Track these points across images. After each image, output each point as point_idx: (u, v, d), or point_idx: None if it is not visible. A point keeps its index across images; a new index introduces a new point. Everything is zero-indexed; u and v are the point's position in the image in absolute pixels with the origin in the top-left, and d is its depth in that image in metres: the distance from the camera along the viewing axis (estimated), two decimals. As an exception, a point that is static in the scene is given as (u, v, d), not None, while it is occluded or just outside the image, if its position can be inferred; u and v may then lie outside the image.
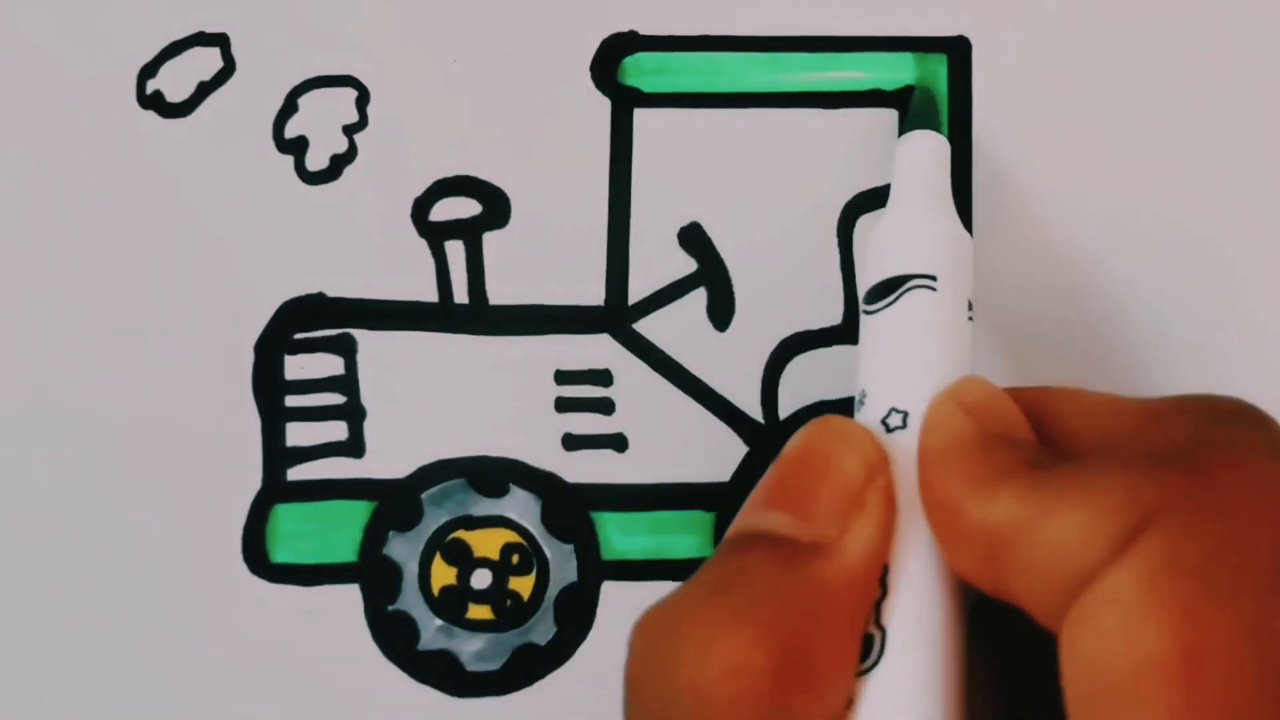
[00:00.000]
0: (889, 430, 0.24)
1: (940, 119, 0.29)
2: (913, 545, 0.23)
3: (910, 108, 0.30)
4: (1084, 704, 0.20)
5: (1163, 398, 0.24)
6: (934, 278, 0.26)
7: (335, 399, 0.30)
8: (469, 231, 0.30)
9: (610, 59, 0.31)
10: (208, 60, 0.31)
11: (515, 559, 0.30)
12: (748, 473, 0.30)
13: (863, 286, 0.26)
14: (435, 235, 0.30)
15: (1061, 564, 0.20)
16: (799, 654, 0.22)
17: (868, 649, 0.23)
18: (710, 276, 0.30)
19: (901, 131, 0.29)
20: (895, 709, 0.22)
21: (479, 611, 0.30)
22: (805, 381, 0.30)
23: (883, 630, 0.23)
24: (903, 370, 0.25)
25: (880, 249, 0.27)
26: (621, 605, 0.29)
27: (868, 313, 0.26)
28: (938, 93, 0.30)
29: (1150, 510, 0.20)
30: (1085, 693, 0.20)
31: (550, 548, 0.30)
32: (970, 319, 0.26)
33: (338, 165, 0.31)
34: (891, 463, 0.24)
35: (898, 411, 0.24)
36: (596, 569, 0.29)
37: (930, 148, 0.28)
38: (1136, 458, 0.21)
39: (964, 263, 0.27)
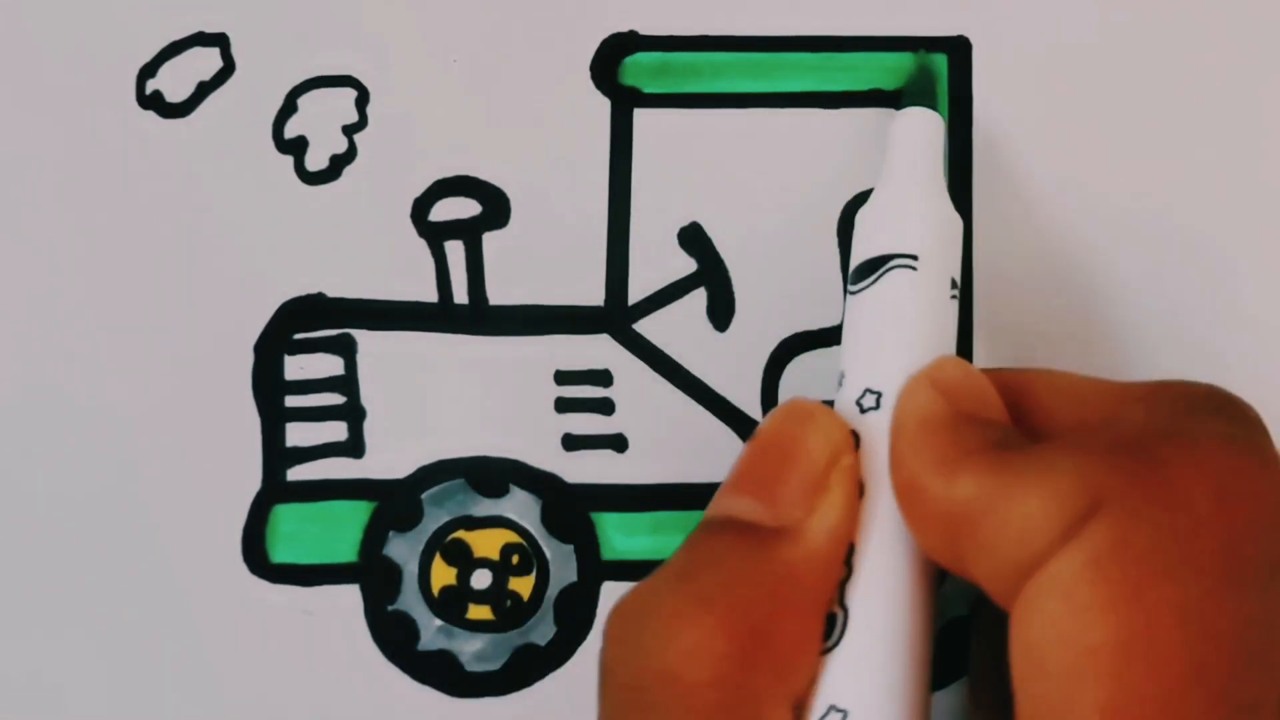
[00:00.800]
0: (862, 411, 0.24)
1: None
2: (879, 525, 0.23)
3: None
4: (1027, 686, 0.20)
5: (1142, 382, 0.24)
6: (915, 257, 0.26)
7: (335, 399, 0.30)
8: (469, 231, 0.30)
9: (610, 59, 0.31)
10: (208, 60, 0.31)
11: (515, 559, 0.30)
12: (748, 473, 0.30)
13: (850, 266, 0.26)
14: (435, 235, 0.30)
15: (1015, 546, 0.21)
16: (763, 637, 0.22)
17: (830, 629, 0.23)
18: (710, 276, 0.30)
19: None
20: (853, 687, 0.22)
21: (479, 612, 0.29)
22: (805, 381, 0.30)
23: (845, 610, 0.23)
24: (879, 351, 0.25)
25: (865, 229, 0.27)
26: (621, 605, 0.29)
27: (851, 293, 0.26)
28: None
29: (1100, 496, 0.20)
30: (1028, 675, 0.20)
31: (550, 548, 0.30)
32: (954, 298, 0.26)
33: (338, 165, 0.31)
34: (863, 443, 0.24)
35: (872, 392, 0.24)
36: (596, 569, 0.29)
37: (922, 125, 0.28)
38: (1094, 443, 0.21)
39: (949, 242, 0.26)
